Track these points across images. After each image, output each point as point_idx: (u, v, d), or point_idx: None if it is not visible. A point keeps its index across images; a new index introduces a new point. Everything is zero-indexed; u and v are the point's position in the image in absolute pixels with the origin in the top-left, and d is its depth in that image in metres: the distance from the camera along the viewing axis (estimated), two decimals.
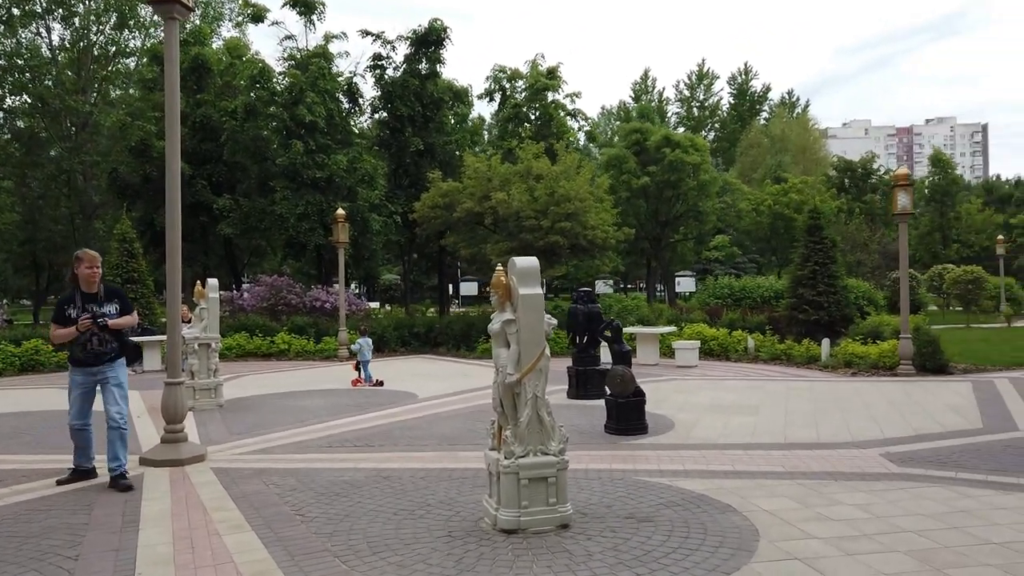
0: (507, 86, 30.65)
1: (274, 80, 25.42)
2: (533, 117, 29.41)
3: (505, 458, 5.29)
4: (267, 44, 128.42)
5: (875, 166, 45.38)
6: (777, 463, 7.16)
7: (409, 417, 10.22)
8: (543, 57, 30.39)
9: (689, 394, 11.81)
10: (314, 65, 24.50)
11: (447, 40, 28.93)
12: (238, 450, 8.25)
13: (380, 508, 5.88)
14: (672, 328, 17.26)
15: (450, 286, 47.43)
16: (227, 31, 34.86)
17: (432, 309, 32.73)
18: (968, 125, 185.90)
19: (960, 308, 31.27)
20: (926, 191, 48.70)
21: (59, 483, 6.67)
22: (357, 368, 14.28)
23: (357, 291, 41.80)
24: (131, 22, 33.32)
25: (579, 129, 30.66)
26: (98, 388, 6.74)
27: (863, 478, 6.51)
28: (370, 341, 14.56)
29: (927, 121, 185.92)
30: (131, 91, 34.09)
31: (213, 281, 11.87)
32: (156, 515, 5.77)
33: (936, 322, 21.83)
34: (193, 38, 28.30)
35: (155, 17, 25.80)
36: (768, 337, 17.11)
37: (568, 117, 29.79)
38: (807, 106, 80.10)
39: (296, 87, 23.92)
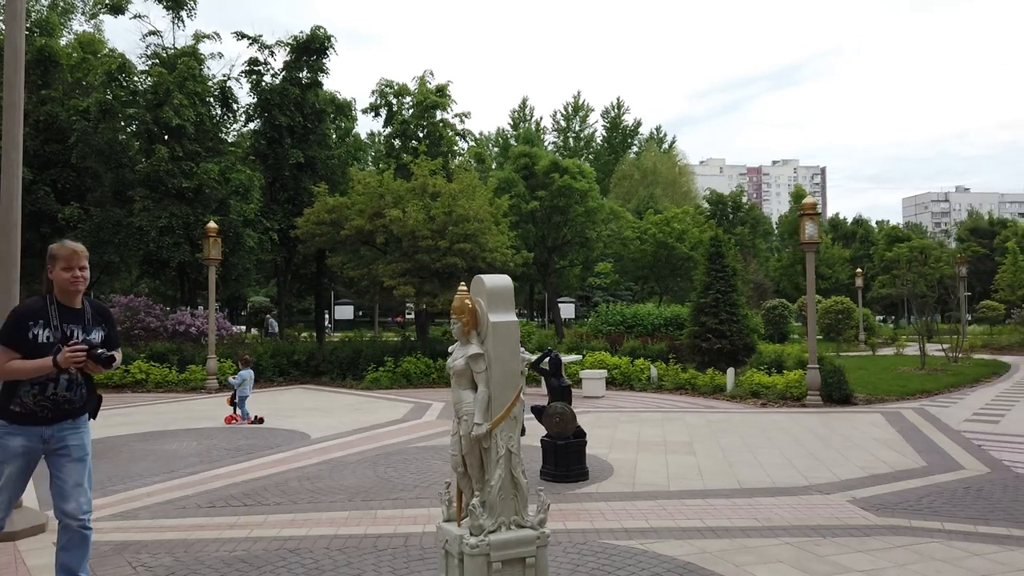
0: (394, 101, 29.30)
1: (135, 78, 22.86)
2: (421, 135, 28.21)
3: (471, 534, 4.10)
4: (126, 41, 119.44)
5: (743, 200, 47.49)
6: (747, 515, 6.35)
7: (305, 464, 8.71)
8: (432, 74, 29.35)
9: (612, 429, 10.96)
10: (183, 64, 22.23)
11: (331, 49, 27.34)
12: (91, 515, 6.51)
13: None
14: (578, 356, 16.51)
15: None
16: (79, 25, 31.43)
17: (305, 334, 30.56)
18: (809, 167, 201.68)
19: (820, 336, 32.75)
20: (789, 226, 51.63)
21: None
22: (232, 403, 12.48)
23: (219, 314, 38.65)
24: None
25: (469, 151, 29.66)
26: (43, 459, 4.25)
27: (850, 532, 5.79)
28: (252, 373, 12.80)
29: (773, 162, 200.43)
30: None
31: None
32: None
33: (783, 349, 22.25)
34: (39, 28, 25.15)
35: None
36: (672, 366, 16.70)
37: (458, 137, 28.83)
38: (673, 142, 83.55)
39: (162, 87, 21.56)
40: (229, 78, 25.42)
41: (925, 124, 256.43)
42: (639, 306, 24.36)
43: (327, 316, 35.75)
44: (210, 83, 24.17)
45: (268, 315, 36.67)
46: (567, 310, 42.58)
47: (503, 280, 4.36)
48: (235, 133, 26.78)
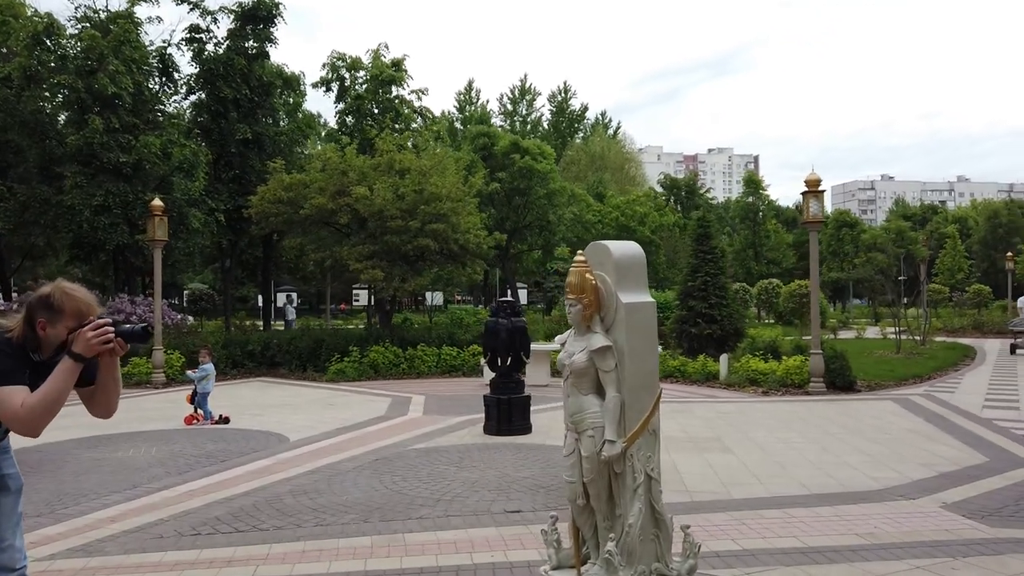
0: (347, 76, 27.64)
1: (65, 42, 20.69)
2: (376, 111, 26.68)
3: None
4: (53, 2, 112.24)
5: (698, 184, 47.35)
6: (844, 528, 5.46)
7: (294, 473, 7.46)
8: (387, 47, 27.80)
9: None
10: (118, 28, 20.20)
11: (279, 18, 25.53)
12: (40, 549, 5.18)
13: None
14: None
15: (259, 296, 42.79)
16: None
17: (248, 323, 28.74)
18: (743, 155, 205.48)
19: (771, 321, 32.64)
20: (742, 210, 51.84)
21: None
22: (193, 401, 11.04)
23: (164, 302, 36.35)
24: None
25: (429, 128, 28.24)
26: None
27: (976, 550, 4.94)
28: (213, 368, 11.36)
29: (709, 151, 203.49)
30: None
31: None
32: None
33: (776, 334, 21.84)
34: None
35: None
36: (660, 352, 15.85)
37: (415, 115, 27.39)
38: (618, 127, 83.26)
39: (95, 52, 19.51)
40: (169, 45, 23.40)
41: (851, 115, 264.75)
42: None
43: (288, 306, 33.88)
44: (149, 50, 22.14)
45: (287, 302, 34.51)
46: (521, 296, 41.67)
47: (633, 248, 3.28)
48: (176, 105, 24.74)
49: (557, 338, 3.51)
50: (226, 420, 10.83)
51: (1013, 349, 19.49)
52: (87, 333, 2.76)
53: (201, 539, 5.44)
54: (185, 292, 44.06)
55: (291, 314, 30.54)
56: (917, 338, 22.37)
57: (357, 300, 48.80)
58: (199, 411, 10.96)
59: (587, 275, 3.22)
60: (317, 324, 29.49)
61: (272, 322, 29.10)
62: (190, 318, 32.83)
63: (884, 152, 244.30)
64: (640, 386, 3.15)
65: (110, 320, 2.83)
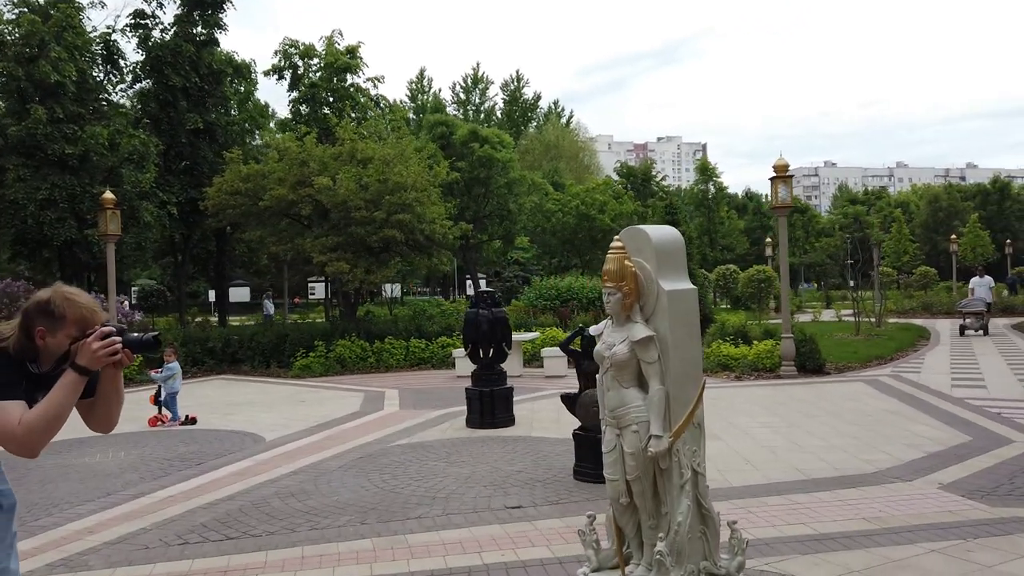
0: (300, 64, 26.95)
1: (1, 27, 19.66)
2: (332, 100, 26.08)
3: None
4: None
5: (654, 173, 47.71)
6: (850, 513, 5.44)
7: (278, 474, 7.17)
8: (341, 34, 27.16)
9: None
10: (59, 13, 19.28)
11: (228, 3, 24.78)
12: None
13: None
14: (536, 334, 15.40)
15: (211, 292, 41.45)
16: None
17: (199, 319, 27.90)
18: (691, 144, 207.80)
19: (727, 306, 33.12)
20: (696, 198, 52.52)
21: None
22: (157, 401, 10.60)
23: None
24: None
25: (384, 115, 27.73)
26: None
27: (986, 531, 4.95)
28: (179, 367, 10.92)
29: (658, 139, 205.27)
30: None
31: None
32: None
33: (741, 319, 22.15)
34: None
35: None
36: None
37: (372, 103, 26.84)
38: (571, 116, 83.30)
39: (35, 37, 18.60)
40: (113, 31, 22.49)
41: (793, 104, 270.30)
42: (572, 279, 23.48)
43: (266, 300, 32.91)
44: (92, 36, 21.22)
45: (265, 297, 33.37)
46: (481, 287, 41.42)
47: (672, 233, 3.14)
48: (123, 94, 23.81)
49: (592, 329, 3.34)
50: (193, 421, 10.43)
51: (963, 330, 20.01)
52: (93, 344, 2.49)
53: (190, 548, 5.15)
54: (133, 289, 42.63)
55: (269, 308, 29.73)
56: (872, 320, 22.88)
57: (313, 293, 47.89)
58: (164, 412, 10.53)
59: (626, 262, 3.07)
60: (276, 319, 28.81)
61: (270, 321, 28.27)
62: (138, 315, 31.59)
63: (826, 139, 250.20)
64: (684, 377, 3.01)
65: (116, 328, 2.56)
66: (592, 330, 3.35)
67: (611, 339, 3.11)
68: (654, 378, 2.99)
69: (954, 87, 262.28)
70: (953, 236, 40.06)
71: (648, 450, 2.94)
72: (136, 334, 2.62)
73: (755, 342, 14.21)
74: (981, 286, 22.79)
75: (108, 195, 15.17)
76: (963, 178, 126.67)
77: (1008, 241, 43.48)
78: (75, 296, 2.60)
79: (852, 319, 22.52)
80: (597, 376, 3.26)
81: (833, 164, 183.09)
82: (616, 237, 3.24)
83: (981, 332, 19.80)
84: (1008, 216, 60.11)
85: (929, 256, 54.29)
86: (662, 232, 3.13)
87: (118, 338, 2.52)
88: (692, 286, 3.11)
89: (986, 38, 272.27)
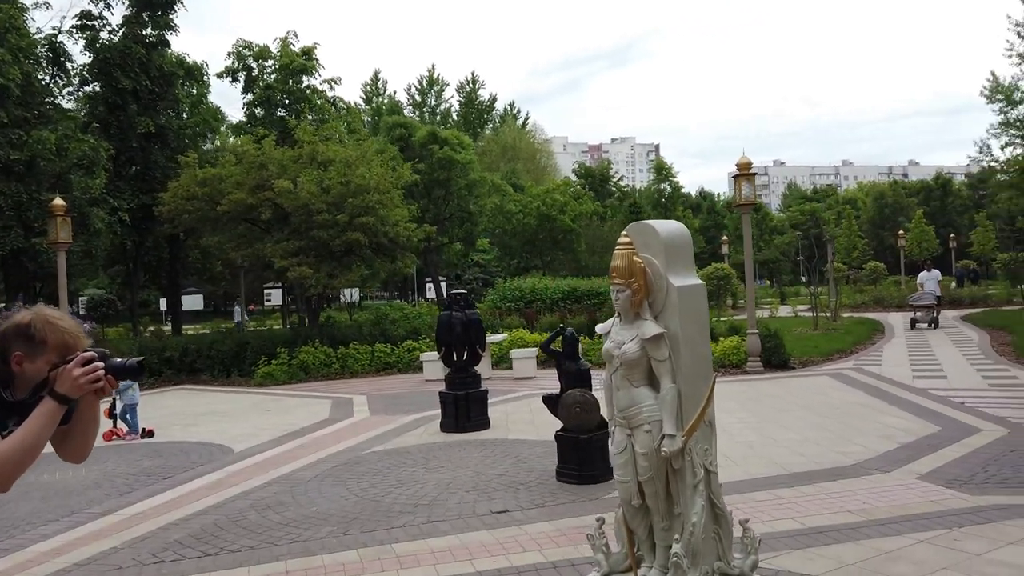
0: (254, 65, 26.39)
1: None
2: (288, 102, 25.62)
3: None
4: None
5: (611, 173, 48.03)
6: (835, 506, 5.48)
7: (251, 486, 6.96)
8: (296, 35, 26.69)
9: None
10: (2, 13, 18.53)
11: (179, 4, 24.16)
12: None
13: None
14: (505, 336, 15.31)
15: (163, 300, 40.26)
16: None
17: (152, 328, 27.13)
18: (644, 145, 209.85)
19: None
20: (652, 197, 53.12)
21: None
22: (112, 414, 10.22)
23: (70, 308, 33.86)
24: None
25: (341, 118, 27.33)
26: None
27: (969, 519, 5.04)
28: None
29: (612, 140, 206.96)
30: None
31: None
32: None
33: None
34: None
35: None
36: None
37: (329, 105, 26.44)
38: (527, 118, 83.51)
39: None
40: (59, 32, 21.72)
41: (742, 104, 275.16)
42: (535, 280, 23.47)
43: (236, 307, 32.05)
44: (37, 38, 20.48)
45: (236, 304, 32.30)
46: (442, 290, 41.13)
47: (680, 227, 3.09)
48: (70, 98, 23.02)
49: (599, 327, 3.27)
50: (150, 434, 10.08)
51: (913, 324, 20.50)
52: (74, 371, 2.28)
53: (166, 567, 4.94)
54: (82, 298, 41.32)
55: (239, 315, 29.00)
56: (828, 315, 23.35)
57: (269, 300, 46.99)
58: (119, 425, 10.17)
59: (634, 258, 3.01)
60: (229, 326, 28.18)
61: (241, 329, 27.47)
62: (87, 325, 30.54)
63: (774, 138, 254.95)
64: (696, 374, 2.96)
65: (98, 353, 2.38)
66: (599, 328, 3.28)
67: (620, 337, 3.05)
68: (666, 376, 2.94)
69: (891, 86, 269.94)
70: (900, 231, 41.17)
71: (661, 450, 2.89)
72: (119, 359, 2.42)
73: (721, 338, 14.35)
74: (929, 280, 23.38)
75: (58, 201, 14.61)
76: (906, 175, 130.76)
77: (952, 235, 44.86)
78: (57, 320, 2.40)
79: (809, 314, 22.95)
80: (604, 375, 3.20)
81: (782, 163, 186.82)
82: (623, 232, 3.17)
83: (932, 326, 20.31)
84: (950, 211, 62.05)
85: (877, 251, 55.76)
86: (670, 227, 3.08)
87: (100, 364, 2.33)
88: (701, 281, 3.07)
89: (917, 38, 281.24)
